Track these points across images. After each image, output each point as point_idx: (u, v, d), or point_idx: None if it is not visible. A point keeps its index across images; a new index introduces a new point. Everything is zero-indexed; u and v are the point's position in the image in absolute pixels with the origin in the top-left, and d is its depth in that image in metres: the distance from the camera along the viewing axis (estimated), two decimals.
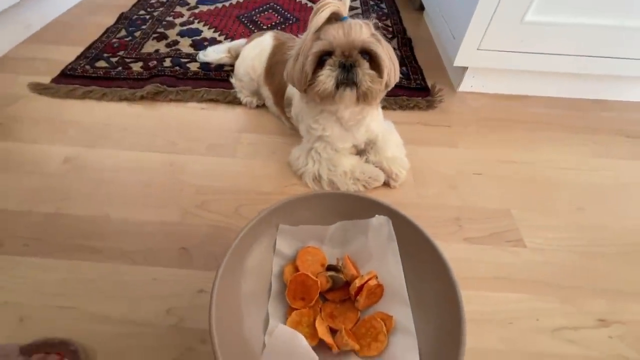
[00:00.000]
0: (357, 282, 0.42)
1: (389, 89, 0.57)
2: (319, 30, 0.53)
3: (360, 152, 0.71)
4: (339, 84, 0.53)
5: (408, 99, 0.89)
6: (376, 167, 0.68)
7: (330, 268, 0.45)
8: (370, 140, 0.69)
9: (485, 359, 0.46)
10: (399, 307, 0.43)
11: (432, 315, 0.41)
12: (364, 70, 0.52)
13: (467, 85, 0.95)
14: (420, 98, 0.89)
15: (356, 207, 0.49)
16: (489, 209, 0.66)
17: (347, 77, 0.52)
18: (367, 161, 0.69)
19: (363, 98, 0.55)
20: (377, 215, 0.47)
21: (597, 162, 0.77)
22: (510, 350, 0.47)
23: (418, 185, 0.69)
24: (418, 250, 0.45)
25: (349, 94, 0.54)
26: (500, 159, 0.76)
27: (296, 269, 0.46)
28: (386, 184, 0.68)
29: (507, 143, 0.81)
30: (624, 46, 0.81)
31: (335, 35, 0.51)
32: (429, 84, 0.95)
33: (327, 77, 0.52)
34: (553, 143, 0.82)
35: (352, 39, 0.51)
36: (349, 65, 0.52)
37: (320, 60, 0.53)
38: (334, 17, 0.52)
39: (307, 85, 0.55)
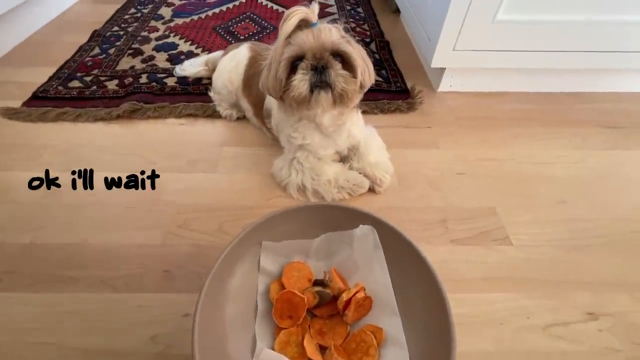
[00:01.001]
0: (345, 296, 0.41)
1: (365, 89, 0.57)
2: (289, 37, 0.53)
3: (343, 158, 0.71)
4: (313, 87, 0.52)
5: (389, 102, 0.89)
6: (360, 173, 0.68)
7: (317, 283, 0.44)
8: (352, 146, 0.69)
9: None
10: (388, 318, 0.42)
11: (422, 323, 0.41)
12: (337, 71, 0.52)
13: (446, 85, 0.96)
14: (400, 101, 0.90)
15: (339, 217, 0.48)
16: (474, 208, 0.66)
17: (320, 80, 0.52)
18: (350, 168, 0.69)
19: (339, 100, 0.54)
20: (361, 225, 0.47)
21: (575, 155, 0.79)
22: (503, 351, 0.47)
23: (403, 188, 0.69)
24: (403, 257, 0.45)
25: (324, 96, 0.53)
26: (481, 157, 0.77)
27: (282, 286, 0.45)
28: (371, 190, 0.68)
29: (488, 141, 0.81)
30: (594, 40, 0.83)
31: (305, 39, 0.50)
32: (409, 86, 0.95)
33: (301, 82, 0.52)
34: (532, 138, 0.83)
35: (322, 41, 0.51)
36: (321, 67, 0.51)
37: (293, 66, 0.53)
38: (304, 24, 0.52)
39: (282, 92, 0.55)
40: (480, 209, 0.66)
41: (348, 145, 0.68)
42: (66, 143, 0.77)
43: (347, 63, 0.53)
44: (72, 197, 0.65)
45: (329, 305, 0.44)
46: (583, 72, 0.93)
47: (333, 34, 0.51)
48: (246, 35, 1.17)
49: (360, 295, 0.42)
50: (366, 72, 0.54)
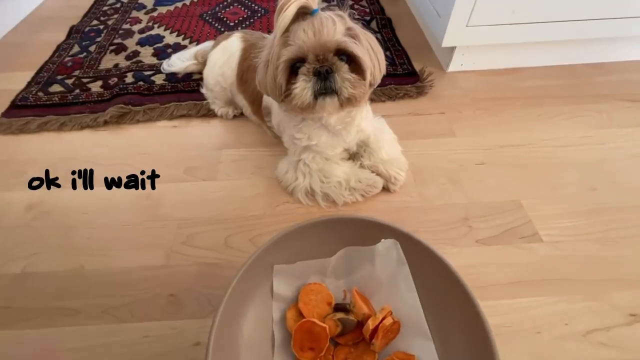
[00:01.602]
0: (371, 324, 0.37)
1: (375, 86, 0.50)
2: (287, 30, 0.46)
3: (352, 155, 0.65)
4: (317, 95, 0.47)
5: (396, 87, 0.82)
6: (372, 171, 0.62)
7: (338, 308, 0.40)
8: (362, 141, 0.63)
9: None
10: (420, 343, 0.38)
11: (458, 348, 0.37)
12: (343, 75, 0.46)
13: (456, 64, 0.88)
14: (409, 85, 0.83)
15: (357, 231, 0.43)
16: (497, 202, 0.61)
17: (324, 86, 0.46)
18: (361, 166, 0.63)
19: (347, 103, 0.49)
20: (382, 240, 0.42)
21: (602, 135, 0.73)
22: None
23: (419, 185, 0.64)
24: (432, 272, 0.40)
25: (330, 102, 0.48)
26: (500, 144, 0.71)
27: (299, 313, 0.40)
28: (385, 189, 0.63)
29: (506, 125, 0.75)
30: (618, 6, 0.75)
31: (305, 38, 0.44)
32: (417, 68, 0.88)
33: (303, 90, 0.46)
34: (554, 118, 0.76)
35: (324, 40, 0.44)
36: (325, 71, 0.45)
37: (293, 68, 0.46)
38: (303, 12, 0.45)
39: (284, 97, 0.49)
40: (504, 202, 0.61)
41: (357, 141, 0.62)
42: (51, 156, 0.71)
43: (354, 62, 0.46)
44: (63, 219, 0.60)
45: (353, 332, 0.40)
46: (604, 41, 0.86)
47: (337, 27, 0.44)
48: (236, 21, 1.08)
49: (388, 321, 0.37)
50: (376, 69, 0.48)
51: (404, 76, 0.86)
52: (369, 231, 0.43)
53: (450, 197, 0.62)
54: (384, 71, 0.50)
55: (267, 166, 0.68)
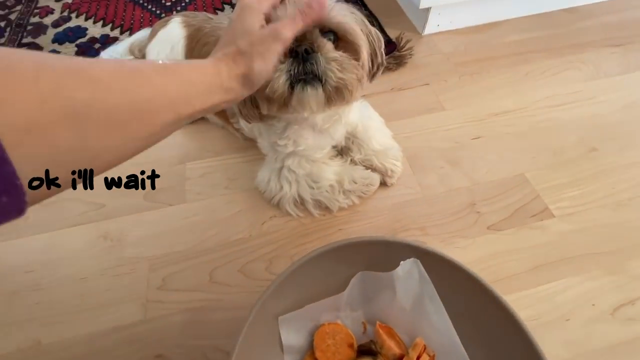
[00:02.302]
0: None
1: (377, 76, 0.41)
2: None
3: (341, 150, 0.57)
4: (293, 82, 0.36)
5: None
6: (366, 166, 0.55)
7: (363, 351, 0.34)
8: (349, 133, 0.55)
9: None
10: None
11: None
12: (328, 54, 0.35)
13: (433, 26, 0.80)
14: (386, 57, 0.73)
15: (368, 254, 0.37)
16: (501, 179, 0.57)
17: (303, 70, 0.35)
18: (352, 162, 0.55)
19: (336, 96, 0.38)
20: (401, 263, 0.35)
21: (592, 87, 0.69)
22: (579, 356, 0.41)
23: (417, 173, 0.58)
24: (457, 285, 0.35)
25: (312, 94, 0.36)
26: (493, 112, 0.66)
27: None
28: (381, 183, 0.56)
29: (495, 90, 0.69)
30: None
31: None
32: (391, 35, 0.79)
33: (275, 74, 0.35)
34: (542, 75, 0.72)
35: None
36: (304, 51, 0.34)
37: None
38: None
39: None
40: (509, 179, 0.57)
41: (345, 135, 0.54)
42: None
43: (343, 41, 0.36)
44: (3, 283, 0.48)
45: None
46: None
47: None
48: (173, 0, 0.91)
49: (424, 359, 0.32)
50: (376, 47, 0.38)
51: None
52: (382, 253, 0.36)
53: (452, 182, 0.56)
54: (384, 60, 0.41)
55: (243, 176, 0.58)
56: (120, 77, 0.22)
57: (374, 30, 0.40)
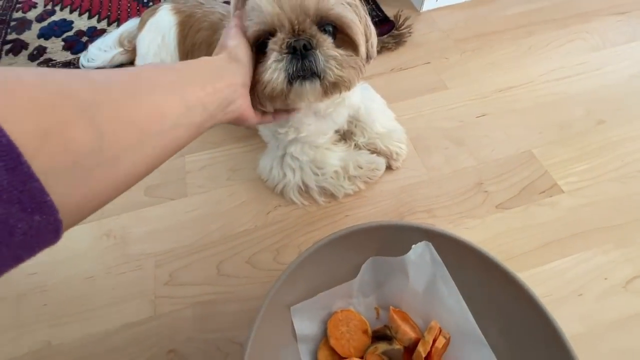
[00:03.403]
0: (422, 351, 0.31)
1: (371, 61, 0.40)
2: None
3: (344, 134, 0.55)
4: (291, 78, 0.34)
5: None
6: (370, 150, 0.54)
7: (378, 336, 0.34)
8: (351, 116, 0.53)
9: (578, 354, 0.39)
10: (475, 351, 0.33)
11: (522, 345, 0.33)
12: (327, 51, 0.34)
13: (431, 2, 0.77)
14: (385, 36, 0.71)
15: (378, 240, 0.36)
16: (508, 157, 0.55)
17: (302, 67, 0.34)
18: (356, 146, 0.54)
19: (334, 89, 0.37)
20: (413, 247, 0.35)
21: (597, 58, 0.67)
22: (594, 328, 0.41)
23: (422, 154, 0.57)
24: (470, 266, 0.34)
25: (310, 88, 0.35)
26: (497, 89, 0.64)
27: (333, 352, 0.34)
28: (387, 166, 0.55)
29: (498, 65, 0.67)
30: None
31: (270, 4, 0.31)
32: (388, 13, 0.76)
33: (274, 72, 0.34)
34: (545, 48, 0.70)
35: (299, 1, 0.32)
36: (303, 46, 0.33)
37: (261, 47, 0.34)
38: None
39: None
40: (516, 156, 0.55)
41: (348, 118, 0.52)
42: None
43: (341, 32, 0.35)
44: (8, 286, 0.48)
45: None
46: None
47: None
48: None
49: (441, 343, 0.32)
50: (371, 39, 0.36)
51: (376, 25, 0.74)
52: (392, 237, 0.35)
53: (458, 162, 0.55)
54: (375, 43, 0.39)
55: (245, 166, 0.57)
56: (119, 78, 0.22)
57: (369, 21, 0.38)
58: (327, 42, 0.33)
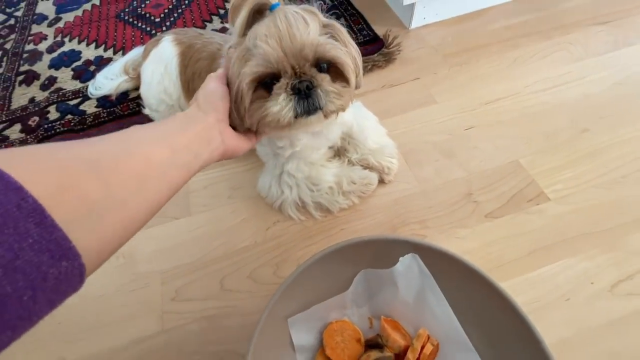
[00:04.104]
0: (411, 357, 0.33)
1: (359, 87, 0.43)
2: (245, 31, 0.37)
3: (337, 151, 0.58)
4: (298, 115, 0.39)
5: (363, 59, 0.74)
6: (363, 166, 0.56)
7: (370, 345, 0.36)
8: (344, 133, 0.56)
9: (562, 355, 0.41)
10: (463, 357, 0.35)
11: (505, 350, 0.34)
12: (326, 88, 0.38)
13: (419, 19, 0.80)
14: (375, 55, 0.75)
15: (369, 253, 0.38)
16: (496, 167, 0.58)
17: (308, 105, 0.38)
18: (349, 162, 0.57)
19: (333, 114, 0.41)
20: (401, 259, 0.37)
21: (581, 67, 0.70)
22: (581, 331, 0.43)
23: (413, 167, 0.59)
24: (460, 279, 0.37)
25: (314, 119, 0.40)
26: (484, 101, 0.67)
27: None
28: (380, 180, 0.57)
29: (485, 78, 0.70)
30: None
31: (273, 47, 0.35)
32: (378, 32, 0.80)
33: (283, 109, 0.38)
34: (530, 59, 0.72)
35: (298, 48, 0.36)
36: (306, 87, 0.37)
37: (264, 83, 0.38)
38: (262, 9, 0.36)
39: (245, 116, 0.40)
40: (503, 166, 0.58)
41: (340, 135, 0.55)
42: None
43: (333, 66, 0.39)
44: None
45: None
46: None
47: (311, 28, 0.36)
48: (162, 15, 0.92)
49: (429, 349, 0.34)
50: (360, 73, 0.40)
51: (367, 44, 0.78)
52: (382, 251, 0.38)
53: (448, 173, 0.58)
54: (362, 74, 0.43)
55: (245, 185, 0.60)
56: (113, 139, 0.26)
57: (357, 53, 0.42)
58: (325, 80, 0.38)
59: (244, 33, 0.37)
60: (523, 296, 0.45)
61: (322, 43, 0.36)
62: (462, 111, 0.66)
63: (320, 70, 0.38)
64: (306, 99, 0.37)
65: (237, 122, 0.39)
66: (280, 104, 0.37)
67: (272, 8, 0.35)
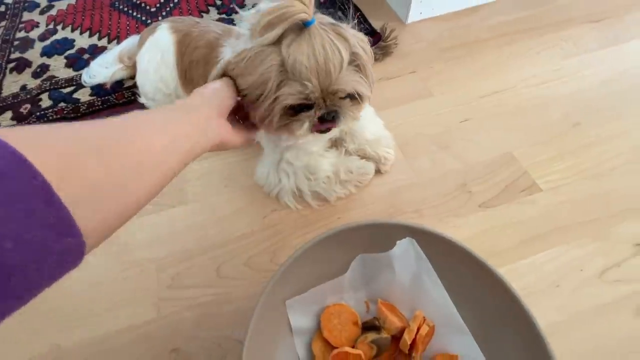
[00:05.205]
0: (408, 338, 0.34)
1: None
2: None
3: (335, 141, 0.59)
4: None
5: None
6: (360, 156, 0.57)
7: (367, 327, 0.36)
8: None
9: (552, 339, 0.42)
10: (458, 339, 0.36)
11: (498, 332, 0.35)
12: (347, 111, 0.42)
13: (416, 14, 0.81)
14: (372, 47, 0.75)
15: (366, 237, 0.39)
16: (490, 159, 0.59)
17: (327, 123, 0.42)
18: (346, 152, 0.57)
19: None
20: (398, 242, 0.38)
21: (573, 63, 0.71)
22: (571, 316, 0.44)
23: (409, 159, 0.60)
24: (452, 259, 0.37)
25: (328, 134, 0.48)
26: (480, 94, 0.68)
27: (326, 343, 0.36)
28: (376, 171, 0.58)
29: (480, 72, 0.71)
30: None
31: (314, 84, 0.37)
32: (375, 25, 0.80)
33: (306, 129, 0.42)
34: (525, 55, 0.74)
35: (333, 85, 0.38)
36: (332, 116, 0.41)
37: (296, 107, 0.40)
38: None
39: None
40: (497, 157, 0.59)
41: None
42: None
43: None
44: None
45: (390, 349, 0.36)
46: None
47: (344, 62, 0.37)
48: (157, 5, 0.91)
49: (424, 330, 0.34)
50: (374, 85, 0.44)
51: None
52: (379, 235, 0.38)
53: (444, 165, 0.59)
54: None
55: (241, 174, 0.60)
56: (115, 124, 0.26)
57: (372, 77, 0.43)
58: (346, 105, 0.41)
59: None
60: (515, 282, 0.45)
61: (352, 81, 0.39)
62: (457, 104, 0.66)
63: (344, 98, 0.41)
64: (328, 120, 0.41)
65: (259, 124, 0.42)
66: (304, 127, 0.41)
67: (307, 24, 0.35)
